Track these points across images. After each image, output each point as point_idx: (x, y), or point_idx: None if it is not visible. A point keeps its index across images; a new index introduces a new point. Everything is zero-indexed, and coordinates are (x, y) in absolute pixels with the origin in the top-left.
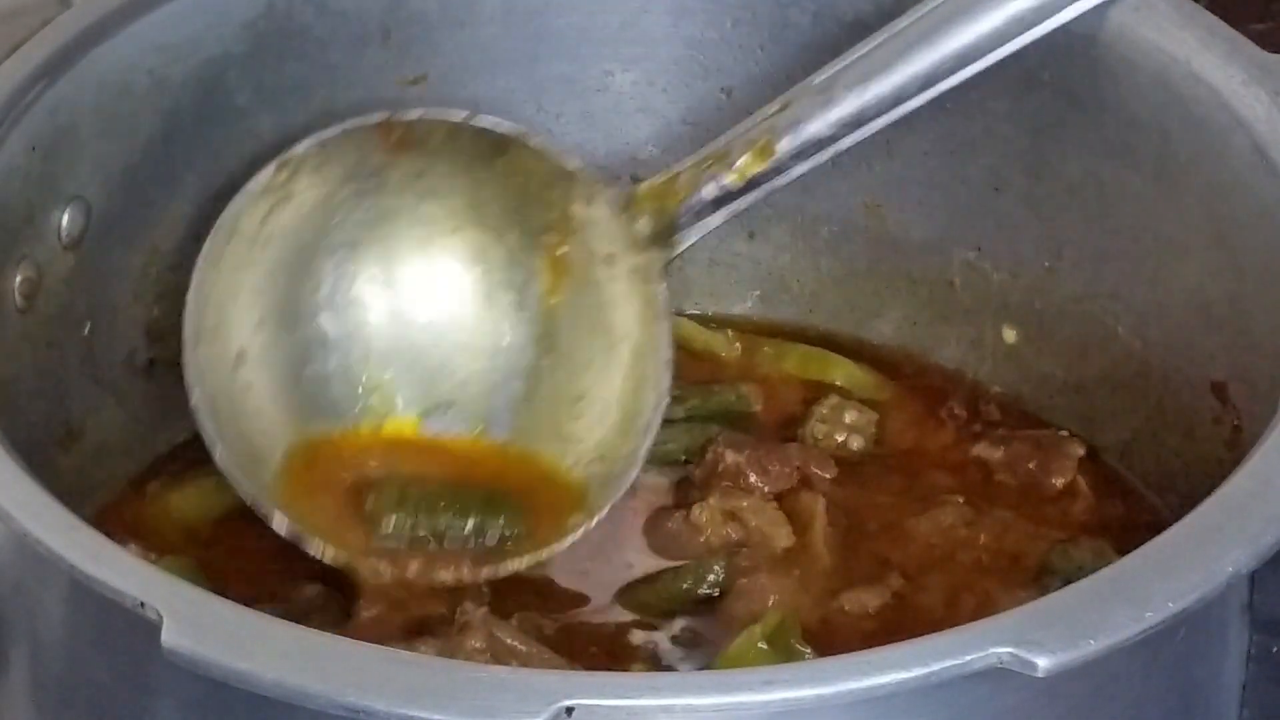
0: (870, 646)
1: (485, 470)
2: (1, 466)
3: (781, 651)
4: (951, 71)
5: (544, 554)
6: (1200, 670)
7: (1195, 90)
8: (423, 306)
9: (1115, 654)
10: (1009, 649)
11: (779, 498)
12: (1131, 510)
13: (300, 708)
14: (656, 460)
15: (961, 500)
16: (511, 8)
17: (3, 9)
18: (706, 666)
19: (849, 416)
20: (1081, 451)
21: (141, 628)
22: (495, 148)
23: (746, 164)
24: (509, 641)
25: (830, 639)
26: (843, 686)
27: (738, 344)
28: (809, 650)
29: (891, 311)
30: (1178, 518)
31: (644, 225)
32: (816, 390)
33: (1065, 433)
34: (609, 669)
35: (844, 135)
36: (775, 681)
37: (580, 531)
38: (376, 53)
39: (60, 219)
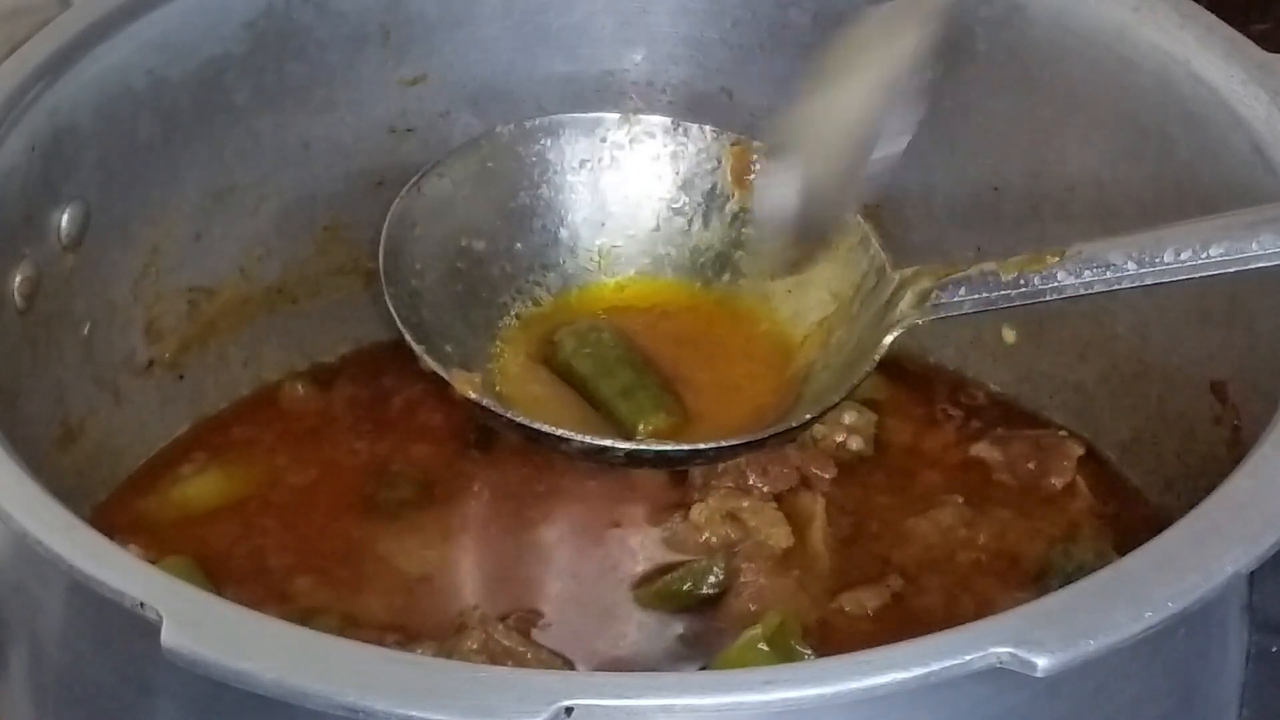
0: (870, 647)
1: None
2: (1, 466)
3: (782, 653)
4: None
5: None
6: (1200, 670)
7: (1195, 90)
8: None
9: (1115, 654)
10: (1009, 649)
11: (778, 498)
12: (1131, 510)
13: (300, 708)
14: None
15: (961, 500)
16: (511, 8)
17: (3, 9)
18: (706, 666)
19: (848, 417)
20: (1081, 451)
21: (141, 628)
22: None
23: (1020, 262)
24: (506, 643)
25: (830, 639)
26: (843, 686)
27: None
28: (809, 652)
29: None
30: (1178, 518)
31: (907, 302)
32: None
33: (1065, 433)
34: (608, 669)
35: (1130, 268)
36: (775, 681)
37: (782, 428)
38: (376, 53)
39: (60, 219)
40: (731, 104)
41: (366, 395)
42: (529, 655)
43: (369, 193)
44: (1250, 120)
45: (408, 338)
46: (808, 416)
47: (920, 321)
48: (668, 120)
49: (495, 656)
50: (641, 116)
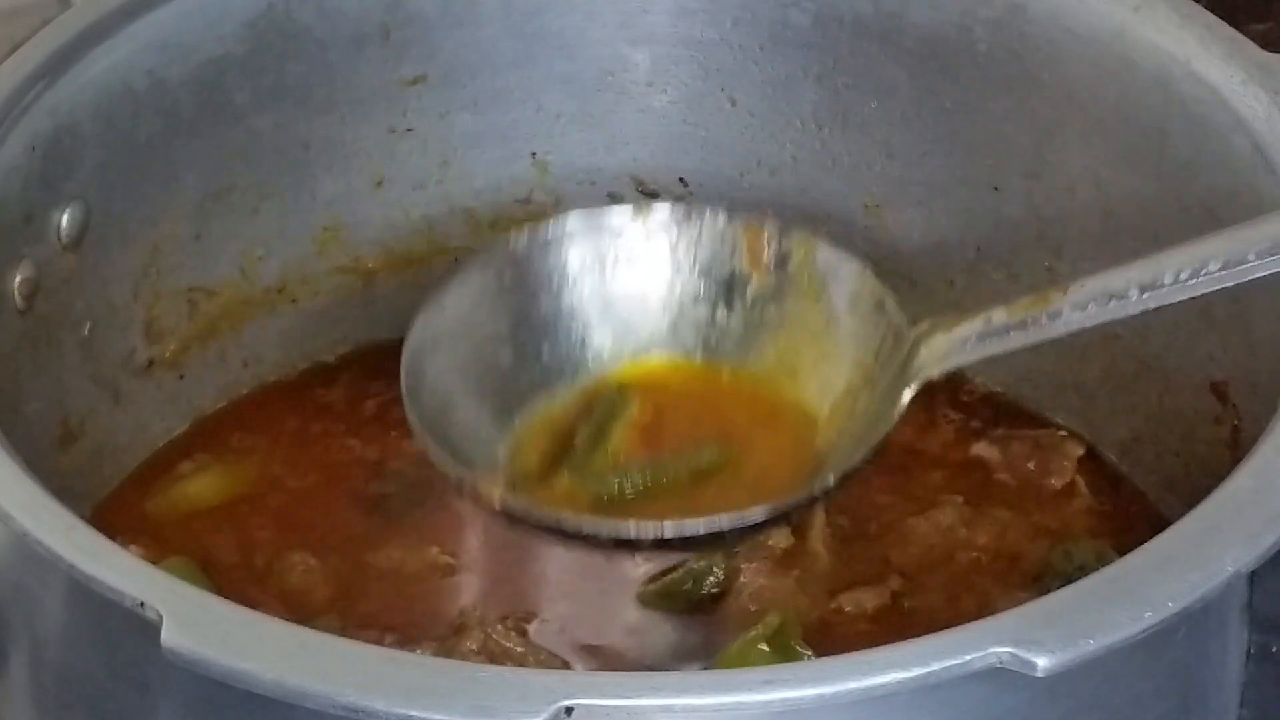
0: (870, 647)
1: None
2: (1, 466)
3: (782, 653)
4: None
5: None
6: (1200, 670)
7: (1195, 90)
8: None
9: (1115, 654)
10: (1009, 649)
11: None
12: (1131, 510)
13: (300, 708)
14: None
15: (961, 500)
16: (511, 8)
17: (3, 9)
18: (706, 666)
19: None
20: (1081, 451)
21: (141, 628)
22: (833, 275)
23: (1027, 304)
24: (505, 643)
25: (830, 639)
26: (843, 686)
27: None
28: (809, 652)
29: None
30: (1178, 518)
31: (921, 358)
32: None
33: (1065, 433)
34: (608, 669)
35: (1134, 295)
36: (775, 681)
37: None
38: (376, 53)
39: (60, 219)
40: (732, 105)
41: (366, 395)
42: (528, 655)
43: (369, 193)
44: (1250, 120)
45: (431, 449)
46: (830, 482)
47: (935, 375)
48: (680, 208)
49: (494, 657)
50: (654, 206)
